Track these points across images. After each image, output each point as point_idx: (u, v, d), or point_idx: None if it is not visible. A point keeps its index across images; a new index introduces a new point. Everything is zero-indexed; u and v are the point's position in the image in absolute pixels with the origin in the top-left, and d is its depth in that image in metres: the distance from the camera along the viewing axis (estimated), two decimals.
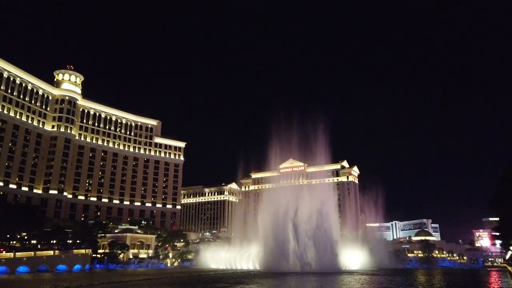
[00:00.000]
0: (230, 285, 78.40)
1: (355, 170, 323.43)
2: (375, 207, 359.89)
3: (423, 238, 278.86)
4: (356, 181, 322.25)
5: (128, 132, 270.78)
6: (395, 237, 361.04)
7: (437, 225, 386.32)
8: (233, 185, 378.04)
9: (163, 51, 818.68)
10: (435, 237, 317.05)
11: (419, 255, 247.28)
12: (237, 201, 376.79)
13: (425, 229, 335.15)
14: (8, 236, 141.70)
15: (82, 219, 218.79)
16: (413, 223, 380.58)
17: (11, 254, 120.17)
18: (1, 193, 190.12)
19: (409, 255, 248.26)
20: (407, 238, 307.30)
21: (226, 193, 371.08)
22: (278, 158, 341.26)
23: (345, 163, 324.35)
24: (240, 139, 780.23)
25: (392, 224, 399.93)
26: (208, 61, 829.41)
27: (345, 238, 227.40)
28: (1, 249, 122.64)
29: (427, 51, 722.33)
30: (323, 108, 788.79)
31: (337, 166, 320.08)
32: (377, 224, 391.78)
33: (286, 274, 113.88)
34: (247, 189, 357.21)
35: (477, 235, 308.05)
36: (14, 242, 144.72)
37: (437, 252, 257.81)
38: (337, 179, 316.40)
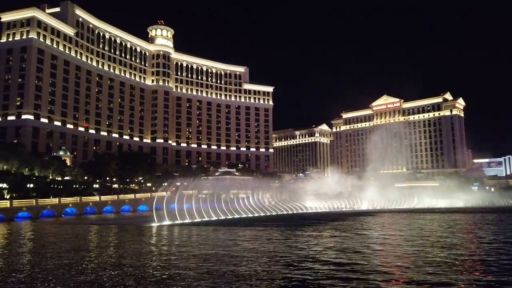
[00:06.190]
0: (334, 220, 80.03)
1: (460, 102, 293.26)
2: (484, 142, 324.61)
3: None
4: (462, 114, 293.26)
5: (218, 81, 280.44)
6: (508, 173, 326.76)
7: None
8: (324, 126, 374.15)
9: None
10: None
11: None
12: (329, 142, 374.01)
13: None
14: (128, 180, 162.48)
15: (186, 164, 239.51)
16: None
17: (132, 196, 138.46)
18: (118, 143, 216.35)
19: None
20: None
21: (316, 134, 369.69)
22: (371, 96, 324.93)
23: (448, 95, 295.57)
24: (329, 78, 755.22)
25: (504, 159, 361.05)
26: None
27: (447, 176, 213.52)
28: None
29: None
30: (420, 38, 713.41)
31: (439, 99, 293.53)
32: (487, 160, 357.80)
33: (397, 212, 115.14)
34: (338, 129, 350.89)
35: None
36: (133, 185, 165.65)
37: None
38: (439, 114, 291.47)
